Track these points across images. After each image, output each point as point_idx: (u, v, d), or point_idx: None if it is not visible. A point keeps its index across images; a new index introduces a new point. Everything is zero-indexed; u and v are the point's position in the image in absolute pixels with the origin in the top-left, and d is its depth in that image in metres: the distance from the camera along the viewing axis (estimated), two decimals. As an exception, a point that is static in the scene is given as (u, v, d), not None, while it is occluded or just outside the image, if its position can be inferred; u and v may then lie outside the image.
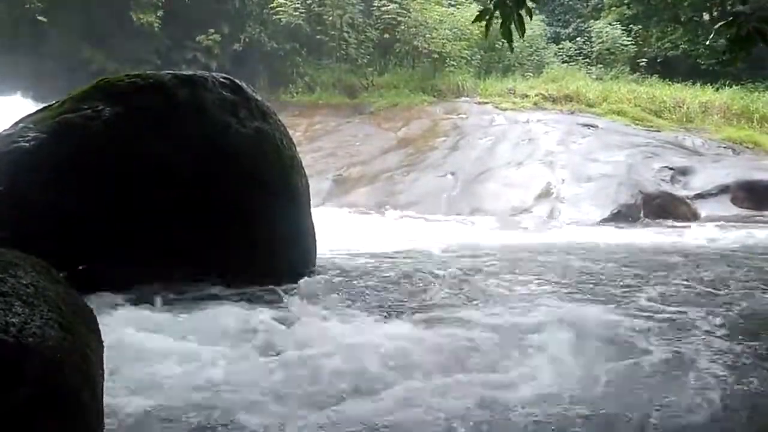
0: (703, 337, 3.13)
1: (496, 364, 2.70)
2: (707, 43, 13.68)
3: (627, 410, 2.28)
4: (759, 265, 5.26)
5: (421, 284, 4.29)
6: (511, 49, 7.11)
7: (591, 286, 4.31)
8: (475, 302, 3.82)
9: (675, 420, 2.23)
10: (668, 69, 16.75)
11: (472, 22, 4.08)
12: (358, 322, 3.28)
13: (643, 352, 2.89)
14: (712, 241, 6.71)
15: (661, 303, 3.77)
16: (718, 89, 14.57)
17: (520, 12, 3.59)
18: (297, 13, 14.73)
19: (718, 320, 3.38)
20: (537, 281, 4.45)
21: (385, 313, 3.52)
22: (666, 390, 2.46)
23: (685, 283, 4.42)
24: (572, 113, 12.84)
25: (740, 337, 3.14)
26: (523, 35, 3.90)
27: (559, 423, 2.18)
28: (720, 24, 3.59)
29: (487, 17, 3.63)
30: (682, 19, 17.20)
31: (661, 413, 2.27)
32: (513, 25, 3.60)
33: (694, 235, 7.16)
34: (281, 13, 14.63)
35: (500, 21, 3.64)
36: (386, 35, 15.58)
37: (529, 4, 3.73)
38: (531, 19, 4.05)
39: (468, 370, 2.63)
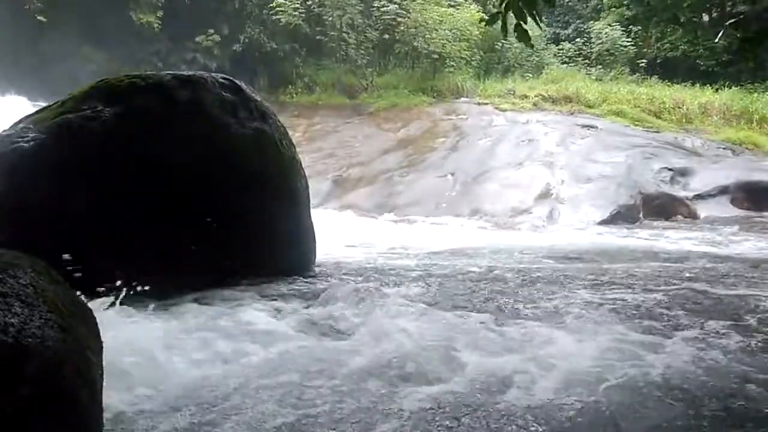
0: None
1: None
2: (710, 44, 13.68)
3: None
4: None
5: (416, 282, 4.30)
6: (531, 47, 7.09)
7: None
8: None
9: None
10: (668, 70, 16.77)
11: (485, 24, 4.03)
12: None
13: None
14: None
15: None
16: (717, 90, 14.59)
17: (533, 12, 3.56)
18: (297, 14, 14.73)
19: None
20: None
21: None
22: None
23: None
24: (572, 114, 12.84)
25: None
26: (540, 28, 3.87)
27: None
28: (729, 23, 3.56)
29: (500, 19, 3.59)
30: (682, 20, 17.13)
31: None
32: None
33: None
34: (281, 13, 14.64)
35: (513, 23, 3.60)
36: (386, 36, 15.58)
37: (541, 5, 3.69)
38: (542, 19, 4.03)
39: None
